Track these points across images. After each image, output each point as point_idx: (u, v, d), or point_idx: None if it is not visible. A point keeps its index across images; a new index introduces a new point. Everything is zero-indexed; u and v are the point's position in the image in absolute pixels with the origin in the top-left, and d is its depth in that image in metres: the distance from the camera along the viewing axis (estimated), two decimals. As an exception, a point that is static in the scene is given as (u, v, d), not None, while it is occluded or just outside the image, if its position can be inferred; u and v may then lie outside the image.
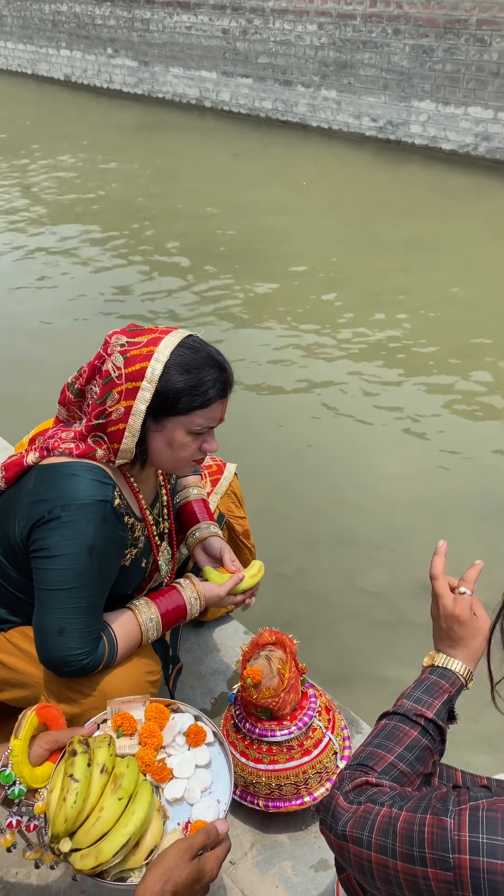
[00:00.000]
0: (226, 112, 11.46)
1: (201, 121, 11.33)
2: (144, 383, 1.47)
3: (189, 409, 1.51)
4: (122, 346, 1.50)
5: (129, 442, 1.51)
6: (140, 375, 1.47)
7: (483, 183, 8.00)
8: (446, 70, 8.40)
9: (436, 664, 1.21)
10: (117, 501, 1.53)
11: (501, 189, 7.82)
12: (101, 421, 1.51)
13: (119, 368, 1.48)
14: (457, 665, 1.19)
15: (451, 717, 1.19)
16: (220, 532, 1.96)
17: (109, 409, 1.49)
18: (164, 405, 1.49)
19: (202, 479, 2.11)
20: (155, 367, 1.47)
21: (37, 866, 1.30)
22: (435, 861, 0.84)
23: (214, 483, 2.17)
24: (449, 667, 1.19)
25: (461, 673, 1.19)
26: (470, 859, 0.81)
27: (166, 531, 1.81)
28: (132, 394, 1.47)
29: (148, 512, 1.69)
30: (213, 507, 2.10)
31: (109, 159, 9.55)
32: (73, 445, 1.54)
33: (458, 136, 8.61)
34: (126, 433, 1.50)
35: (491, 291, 5.68)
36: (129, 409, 1.48)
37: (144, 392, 1.47)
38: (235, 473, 2.24)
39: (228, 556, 1.87)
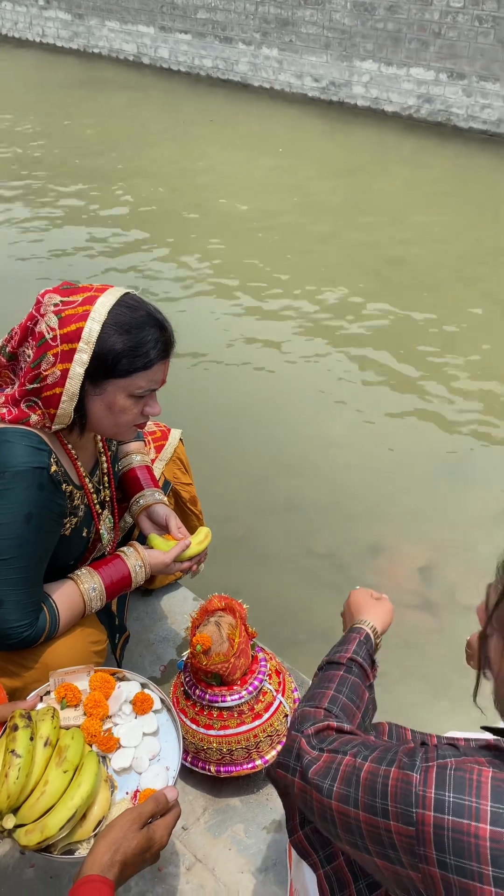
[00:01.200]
0: (165, 70, 11.14)
1: (140, 78, 10.99)
2: (81, 344, 1.40)
3: (129, 372, 1.45)
4: (55, 305, 1.42)
5: (66, 407, 1.44)
6: (76, 336, 1.40)
7: (425, 145, 7.99)
8: (388, 29, 8.31)
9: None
10: (54, 468, 1.47)
11: (443, 151, 7.82)
12: (35, 385, 1.43)
13: (53, 329, 1.40)
14: (363, 622, 1.37)
15: (374, 666, 1.33)
16: (165, 499, 1.91)
17: (44, 373, 1.42)
18: (103, 368, 1.43)
19: (146, 445, 2.05)
20: (92, 328, 1.40)
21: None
22: (398, 814, 0.83)
23: (159, 449, 2.12)
24: (357, 624, 1.37)
25: (365, 625, 1.36)
26: (434, 816, 0.80)
27: (108, 499, 1.76)
28: (68, 356, 1.40)
29: (87, 479, 1.64)
30: (157, 474, 2.05)
31: (46, 117, 9.20)
32: (4, 411, 1.47)
33: (400, 98, 8.56)
34: (63, 398, 1.43)
35: (431, 251, 5.70)
36: (65, 373, 1.41)
37: (81, 354, 1.40)
38: (181, 439, 2.19)
39: (174, 522, 1.83)
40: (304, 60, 9.30)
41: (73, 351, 1.40)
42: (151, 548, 1.75)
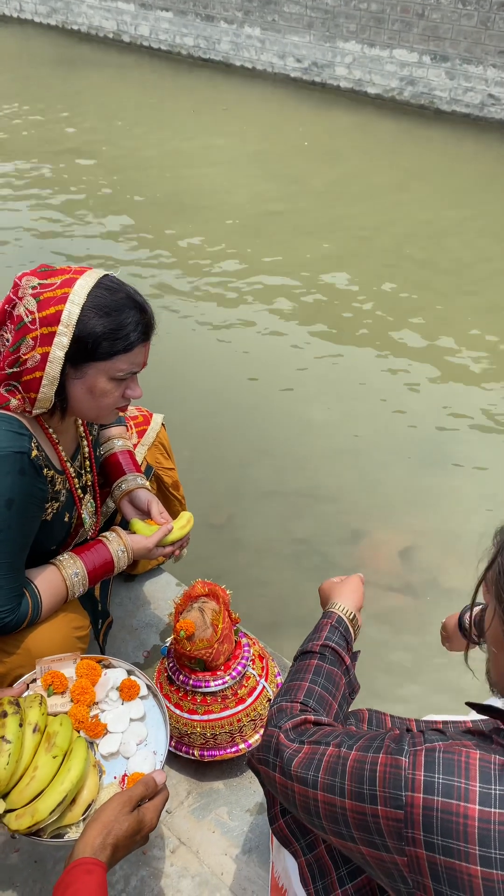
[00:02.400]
0: (145, 48, 10.97)
1: (119, 57, 10.81)
2: (61, 328, 1.38)
3: (110, 355, 1.44)
4: (33, 288, 1.40)
5: (46, 391, 1.43)
6: (56, 319, 1.39)
7: (407, 128, 7.96)
8: (371, 10, 8.24)
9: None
10: (35, 453, 1.46)
11: (425, 134, 7.80)
12: (14, 369, 1.42)
13: (32, 312, 1.39)
14: (333, 605, 1.37)
15: (349, 648, 1.33)
16: (147, 483, 1.91)
17: (24, 357, 1.41)
18: (84, 351, 1.42)
19: (128, 430, 2.05)
20: (71, 311, 1.39)
21: (-33, 829, 1.27)
22: (386, 799, 0.84)
23: (141, 434, 2.11)
24: (329, 609, 1.37)
25: (336, 609, 1.35)
26: (423, 798, 0.81)
27: (89, 484, 1.75)
28: (48, 339, 1.39)
29: (69, 464, 1.63)
30: (140, 458, 2.05)
31: (23, 96, 9.02)
32: None
33: (383, 80, 8.51)
34: (43, 381, 1.42)
35: (416, 234, 5.71)
36: (45, 356, 1.40)
37: (61, 337, 1.39)
38: (163, 424, 2.19)
39: (156, 507, 1.83)
40: (287, 40, 9.20)
41: (52, 334, 1.39)
42: (134, 532, 1.76)
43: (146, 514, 1.84)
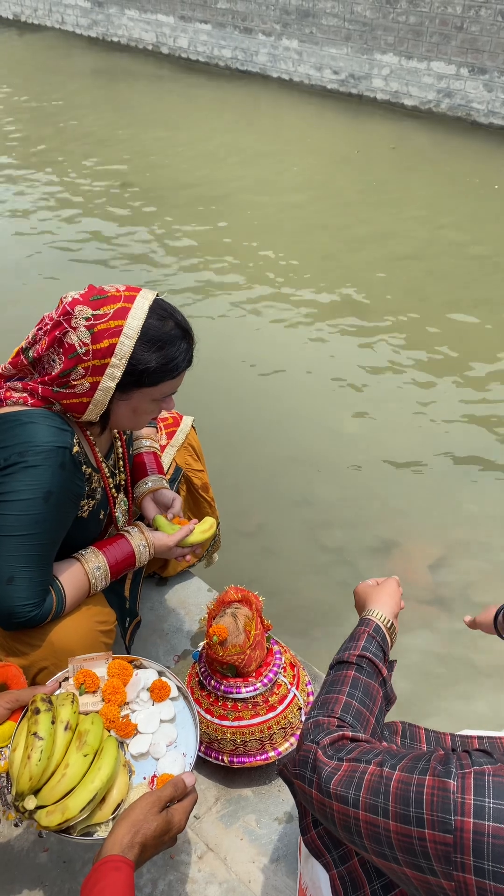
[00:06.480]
0: (184, 59, 11.08)
1: (158, 69, 10.93)
2: (114, 360, 1.43)
3: (158, 382, 1.50)
4: (87, 319, 1.43)
5: (90, 414, 1.49)
6: (109, 352, 1.43)
7: (444, 140, 7.93)
8: (410, 22, 8.24)
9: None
10: (76, 449, 1.49)
11: (462, 147, 7.76)
12: (61, 390, 1.46)
13: (86, 344, 1.42)
14: (370, 612, 1.35)
15: (386, 658, 1.30)
16: (167, 485, 1.93)
17: (73, 383, 1.45)
18: (134, 380, 1.47)
19: (157, 431, 2.07)
20: (125, 343, 1.43)
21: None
22: (434, 823, 0.82)
23: (170, 436, 2.13)
24: (366, 616, 1.35)
25: (373, 616, 1.33)
26: (474, 822, 0.79)
27: (122, 483, 1.77)
28: (100, 370, 1.44)
29: (104, 463, 1.66)
30: (169, 459, 2.07)
31: (63, 106, 9.17)
32: (25, 394, 1.49)
33: (420, 92, 8.49)
34: (90, 406, 1.48)
35: (451, 246, 5.67)
36: (95, 385, 1.45)
37: (114, 370, 1.44)
38: (193, 426, 2.20)
39: (178, 507, 1.85)
40: (324, 52, 9.23)
41: (105, 366, 1.43)
42: (156, 529, 1.76)
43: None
